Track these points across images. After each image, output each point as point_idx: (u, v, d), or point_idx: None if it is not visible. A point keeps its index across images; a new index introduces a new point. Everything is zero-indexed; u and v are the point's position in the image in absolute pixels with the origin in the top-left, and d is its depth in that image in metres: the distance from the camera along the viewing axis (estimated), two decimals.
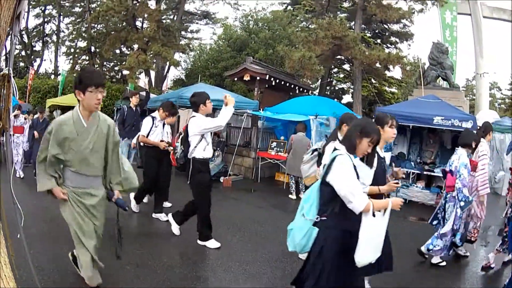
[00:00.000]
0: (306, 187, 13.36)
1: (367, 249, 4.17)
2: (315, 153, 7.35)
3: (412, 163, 14.13)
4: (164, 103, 10.38)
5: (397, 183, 5.54)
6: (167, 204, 10.75)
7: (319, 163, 6.78)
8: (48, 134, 4.91)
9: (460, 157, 7.35)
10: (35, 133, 15.03)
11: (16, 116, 14.23)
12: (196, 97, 7.71)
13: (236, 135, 17.66)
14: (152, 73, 38.88)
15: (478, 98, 30.27)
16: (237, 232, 9.11)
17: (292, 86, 21.66)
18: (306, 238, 4.56)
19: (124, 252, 6.98)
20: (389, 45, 37.28)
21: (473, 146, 7.62)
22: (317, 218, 4.45)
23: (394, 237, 9.28)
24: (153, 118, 10.04)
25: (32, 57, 46.16)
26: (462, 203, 7.16)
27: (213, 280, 6.42)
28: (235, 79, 21.24)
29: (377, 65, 26.42)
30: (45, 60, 48.40)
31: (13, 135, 13.91)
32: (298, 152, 12.86)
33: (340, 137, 6.10)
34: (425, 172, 13.78)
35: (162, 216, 9.68)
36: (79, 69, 43.30)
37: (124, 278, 6.25)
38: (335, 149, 4.50)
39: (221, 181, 15.08)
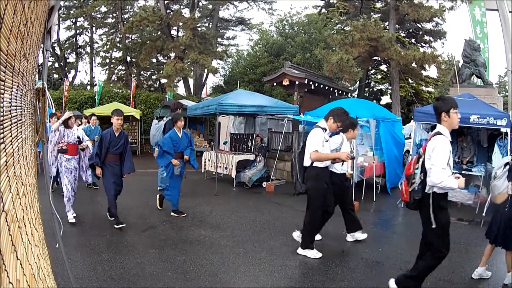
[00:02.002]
0: None
1: None
2: (507, 167, 6.48)
3: None
4: (334, 110, 7.90)
5: None
6: (361, 236, 9.03)
7: (509, 177, 6.34)
8: None
9: None
10: (98, 169, 9.40)
11: (66, 127, 9.91)
12: (440, 102, 5.79)
13: (278, 140, 17.67)
14: (191, 81, 39.17)
15: (511, 94, 29.85)
16: (280, 237, 9.07)
17: (331, 89, 21.61)
18: None
19: (166, 259, 7.11)
20: (423, 44, 37.08)
21: None
22: None
23: None
24: (323, 129, 7.80)
25: (66, 68, 46.64)
26: None
27: (255, 285, 6.43)
28: (274, 84, 21.28)
29: (413, 65, 26.32)
30: (79, 71, 49.11)
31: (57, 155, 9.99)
32: None
33: None
34: (463, 172, 13.63)
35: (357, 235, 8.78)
36: (115, 79, 43.80)
37: (166, 284, 6.27)
38: None
39: (264, 186, 15.14)
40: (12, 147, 1.97)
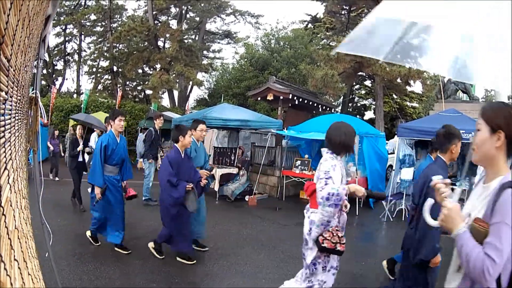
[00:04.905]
0: None
1: None
2: None
3: None
4: None
5: None
6: None
7: None
8: None
9: None
10: None
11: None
12: None
13: (261, 154, 17.75)
14: (175, 93, 39.23)
15: None
16: (262, 250, 9.15)
17: (315, 104, 21.74)
18: None
19: (151, 270, 7.14)
20: (409, 60, 37.40)
21: None
22: None
23: None
24: None
25: (54, 75, 46.45)
26: None
27: None
28: (259, 98, 21.31)
29: (398, 80, 26.45)
30: (67, 79, 48.94)
31: None
32: None
33: None
34: None
35: None
36: (101, 88, 43.79)
37: None
38: None
39: (247, 200, 15.20)
40: (16, 162, 2.01)
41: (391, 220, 12.93)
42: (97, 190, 7.87)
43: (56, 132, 18.14)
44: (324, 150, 5.16)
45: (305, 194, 5.50)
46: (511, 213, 2.10)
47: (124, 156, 8.54)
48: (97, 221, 8.43)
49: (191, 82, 35.50)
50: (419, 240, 5.15)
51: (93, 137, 17.45)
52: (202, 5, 37.92)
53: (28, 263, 1.97)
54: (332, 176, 4.78)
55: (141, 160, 13.86)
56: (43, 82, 43.45)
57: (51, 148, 17.65)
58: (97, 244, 8.61)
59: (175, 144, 7.89)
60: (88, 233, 8.75)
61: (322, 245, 4.94)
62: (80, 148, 11.98)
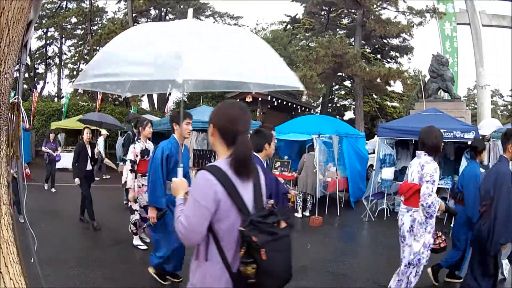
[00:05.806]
0: (313, 205, 13.37)
1: None
2: None
3: None
4: None
5: None
6: None
7: None
8: None
9: None
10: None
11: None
12: None
13: None
14: (155, 96, 39.09)
15: (480, 107, 30.07)
16: None
17: (294, 105, 21.77)
18: None
19: (136, 275, 7.13)
20: (389, 60, 37.36)
21: None
22: None
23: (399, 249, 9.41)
24: None
25: (35, 79, 46.10)
26: None
27: None
28: (237, 100, 21.31)
29: (378, 80, 26.47)
30: (48, 82, 48.37)
31: None
32: (310, 169, 13.12)
33: None
34: None
35: None
36: (82, 92, 43.57)
37: None
38: None
39: None
40: None
41: (373, 219, 12.94)
42: (153, 213, 6.19)
43: (52, 136, 16.48)
44: (421, 153, 5.58)
45: (404, 195, 5.87)
46: (195, 188, 2.69)
47: (187, 169, 6.99)
48: (162, 254, 6.69)
49: (170, 85, 35.43)
50: (496, 229, 5.43)
51: (100, 142, 17.28)
52: (182, 7, 37.81)
53: (9, 267, 1.97)
54: (435, 179, 5.29)
55: (121, 163, 13.68)
56: (25, 86, 43.15)
57: (50, 151, 15.66)
58: (166, 283, 6.95)
59: (255, 154, 5.62)
60: (151, 269, 6.96)
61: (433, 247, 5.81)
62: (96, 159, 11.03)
